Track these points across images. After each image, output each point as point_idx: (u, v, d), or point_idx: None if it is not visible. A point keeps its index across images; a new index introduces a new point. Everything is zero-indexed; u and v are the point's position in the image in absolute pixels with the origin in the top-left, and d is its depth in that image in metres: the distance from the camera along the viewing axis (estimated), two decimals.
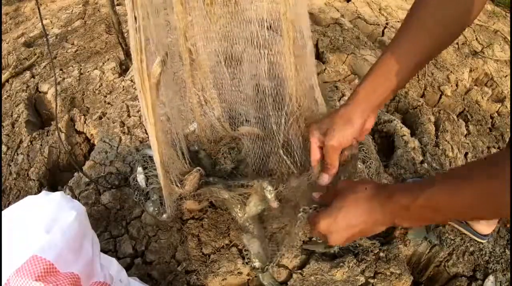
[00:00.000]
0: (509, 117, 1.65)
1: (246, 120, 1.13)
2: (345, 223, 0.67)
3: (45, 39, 1.56)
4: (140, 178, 1.13)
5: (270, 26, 0.90)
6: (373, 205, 0.64)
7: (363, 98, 0.74)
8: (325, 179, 0.82)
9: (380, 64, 0.73)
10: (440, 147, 1.43)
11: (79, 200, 1.17)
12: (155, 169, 1.10)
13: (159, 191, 1.04)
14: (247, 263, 1.02)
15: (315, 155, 0.83)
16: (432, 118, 1.56)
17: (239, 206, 1.01)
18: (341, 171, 0.88)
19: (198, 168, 1.02)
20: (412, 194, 0.58)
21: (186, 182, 0.99)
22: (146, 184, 1.13)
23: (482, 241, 1.13)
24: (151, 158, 1.17)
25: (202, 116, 1.15)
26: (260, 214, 1.03)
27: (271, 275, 1.02)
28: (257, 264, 1.00)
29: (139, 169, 1.14)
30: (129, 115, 1.49)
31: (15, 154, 1.41)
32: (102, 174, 1.25)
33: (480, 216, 0.59)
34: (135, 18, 0.59)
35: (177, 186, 0.97)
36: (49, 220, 0.62)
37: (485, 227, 1.10)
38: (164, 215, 1.07)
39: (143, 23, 0.59)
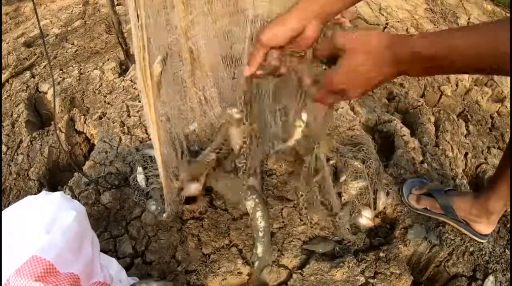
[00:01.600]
0: (509, 117, 1.65)
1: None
2: (362, 81, 0.63)
3: (44, 39, 1.56)
4: (140, 178, 1.14)
5: None
6: (386, 57, 0.60)
7: (303, 4, 0.71)
8: (246, 71, 0.75)
9: None
10: (440, 147, 1.43)
11: (79, 200, 1.17)
12: (155, 169, 1.11)
13: (160, 190, 1.04)
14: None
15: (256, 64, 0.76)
16: (432, 118, 1.56)
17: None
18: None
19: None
20: (437, 41, 0.55)
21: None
22: (146, 184, 1.13)
23: (482, 241, 1.13)
24: (151, 157, 1.17)
25: (202, 116, 1.15)
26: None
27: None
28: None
29: (139, 169, 1.15)
30: (129, 115, 1.49)
31: (15, 154, 1.41)
32: (102, 174, 1.25)
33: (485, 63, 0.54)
34: (138, 16, 0.59)
35: (177, 183, 0.98)
36: (49, 220, 0.62)
37: (485, 227, 1.10)
38: (164, 214, 1.07)
39: (145, 22, 0.60)
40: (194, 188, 1.11)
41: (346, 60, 0.64)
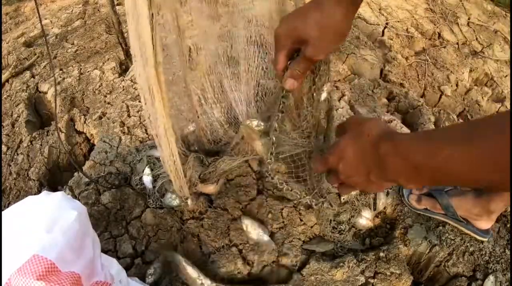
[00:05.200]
0: None
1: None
2: (353, 165, 0.60)
3: (46, 38, 1.56)
4: (147, 179, 1.14)
5: (271, 26, 0.90)
6: (369, 155, 0.56)
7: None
8: (291, 83, 0.70)
9: None
10: None
11: (79, 200, 1.17)
12: (162, 167, 1.12)
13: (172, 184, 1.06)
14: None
15: (282, 63, 0.70)
16: (432, 118, 1.56)
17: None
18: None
19: (193, 154, 1.04)
20: (428, 151, 0.47)
21: (186, 169, 0.99)
22: (153, 185, 1.14)
23: (483, 239, 1.13)
24: (157, 158, 1.18)
25: (202, 116, 1.15)
26: None
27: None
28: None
29: (147, 170, 1.15)
30: (129, 115, 1.49)
31: (15, 154, 1.41)
32: (102, 174, 1.25)
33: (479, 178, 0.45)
34: (152, 15, 0.62)
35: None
36: (50, 220, 0.62)
37: (485, 223, 1.10)
38: (188, 201, 1.10)
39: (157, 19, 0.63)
40: (212, 188, 1.14)
41: (341, 138, 0.62)
